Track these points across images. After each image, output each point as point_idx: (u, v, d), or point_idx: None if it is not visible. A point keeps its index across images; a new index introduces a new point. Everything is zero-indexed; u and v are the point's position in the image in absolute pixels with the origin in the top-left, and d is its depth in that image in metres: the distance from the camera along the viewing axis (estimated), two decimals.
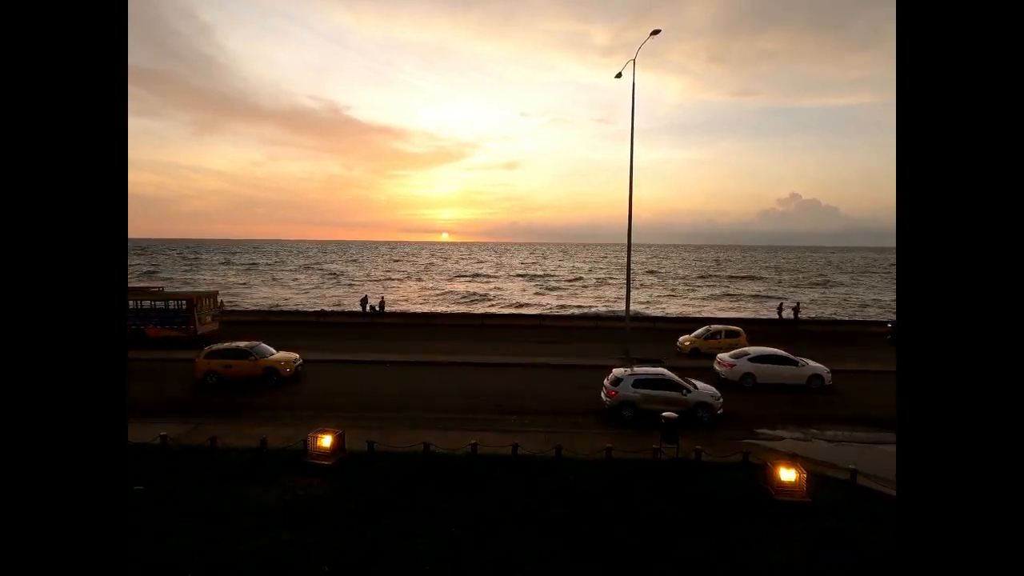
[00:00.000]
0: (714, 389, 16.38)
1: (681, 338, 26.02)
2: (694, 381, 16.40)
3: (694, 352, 24.86)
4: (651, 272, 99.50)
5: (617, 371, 16.59)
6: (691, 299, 60.73)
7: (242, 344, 19.75)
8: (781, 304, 39.60)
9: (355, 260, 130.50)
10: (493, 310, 48.60)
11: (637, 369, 16.71)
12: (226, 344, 19.89)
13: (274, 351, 20.25)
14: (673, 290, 69.89)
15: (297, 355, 20.44)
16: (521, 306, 53.92)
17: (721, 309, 52.11)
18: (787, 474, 10.52)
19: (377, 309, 36.39)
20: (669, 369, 17.23)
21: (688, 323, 35.92)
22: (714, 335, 25.29)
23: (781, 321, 35.81)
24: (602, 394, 16.32)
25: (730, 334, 25.19)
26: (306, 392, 18.56)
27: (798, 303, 39.20)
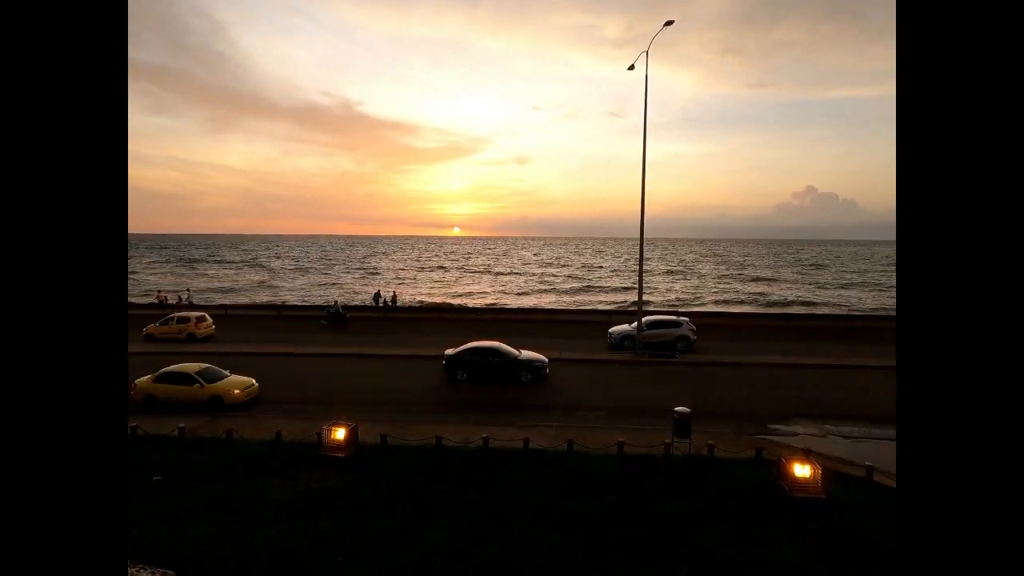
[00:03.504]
0: None
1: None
2: None
3: (148, 337, 25.97)
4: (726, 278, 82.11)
5: None
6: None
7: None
8: None
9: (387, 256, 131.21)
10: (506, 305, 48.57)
11: None
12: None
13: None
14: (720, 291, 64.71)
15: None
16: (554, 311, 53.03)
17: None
18: (802, 470, 10.40)
19: (389, 303, 36.69)
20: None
21: (705, 317, 35.62)
22: (167, 321, 26.59)
23: None
24: None
25: (181, 320, 26.58)
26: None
27: None
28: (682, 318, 24.82)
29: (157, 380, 16.81)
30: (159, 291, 42.86)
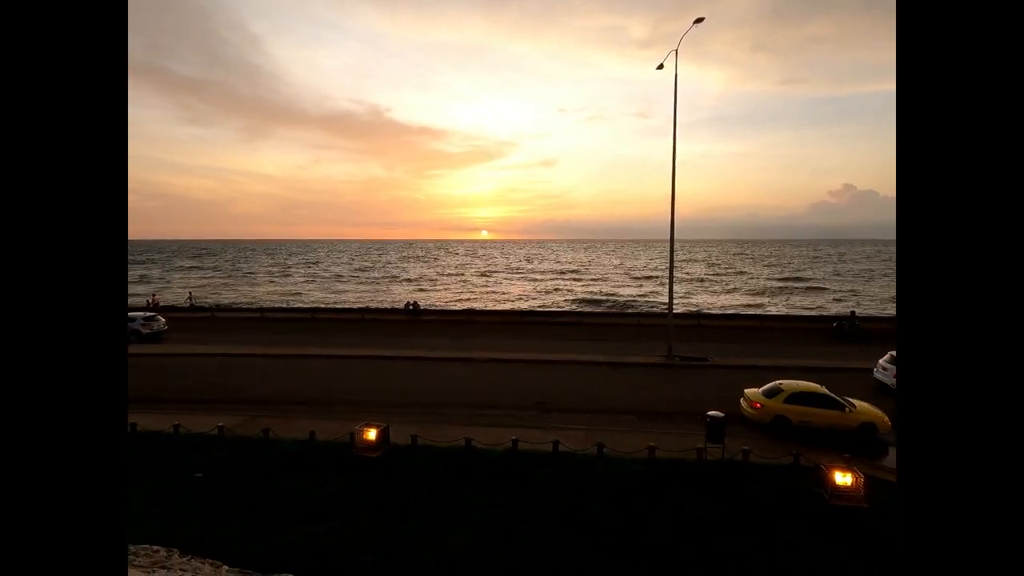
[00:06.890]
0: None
1: None
2: None
3: None
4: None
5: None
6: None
7: None
8: None
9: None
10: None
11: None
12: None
13: None
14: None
15: None
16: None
17: None
18: (843, 478, 10.03)
19: (411, 308, 37.40)
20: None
21: (737, 319, 34.85)
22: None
23: None
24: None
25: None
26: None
27: None
28: (142, 315, 28.04)
29: (789, 400, 14.25)
30: (153, 294, 43.43)
